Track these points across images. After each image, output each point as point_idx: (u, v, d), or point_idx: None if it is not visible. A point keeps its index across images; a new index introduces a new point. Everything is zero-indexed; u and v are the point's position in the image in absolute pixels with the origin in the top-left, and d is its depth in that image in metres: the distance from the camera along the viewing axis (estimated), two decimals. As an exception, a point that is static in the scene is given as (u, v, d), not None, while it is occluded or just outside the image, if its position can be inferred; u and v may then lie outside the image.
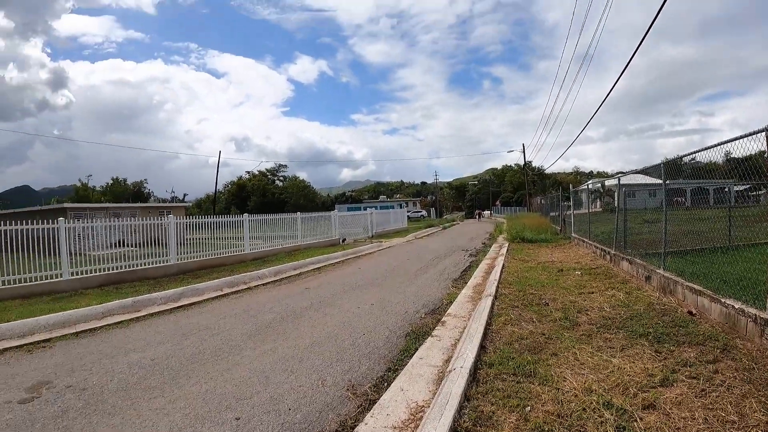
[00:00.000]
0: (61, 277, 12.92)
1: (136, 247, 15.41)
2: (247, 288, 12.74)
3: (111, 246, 14.91)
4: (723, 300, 6.72)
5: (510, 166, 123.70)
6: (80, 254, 13.70)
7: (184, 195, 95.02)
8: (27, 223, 12.73)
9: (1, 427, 4.59)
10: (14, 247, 12.35)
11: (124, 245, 15.28)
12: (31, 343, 7.83)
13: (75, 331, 8.61)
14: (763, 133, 5.71)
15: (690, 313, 7.29)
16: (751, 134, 5.93)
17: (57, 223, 13.28)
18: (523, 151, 64.66)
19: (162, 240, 16.11)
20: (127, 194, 76.54)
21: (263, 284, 13.34)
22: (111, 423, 4.55)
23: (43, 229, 12.90)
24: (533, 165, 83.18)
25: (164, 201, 77.58)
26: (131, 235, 15.67)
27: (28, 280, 12.34)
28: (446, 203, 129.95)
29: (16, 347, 7.65)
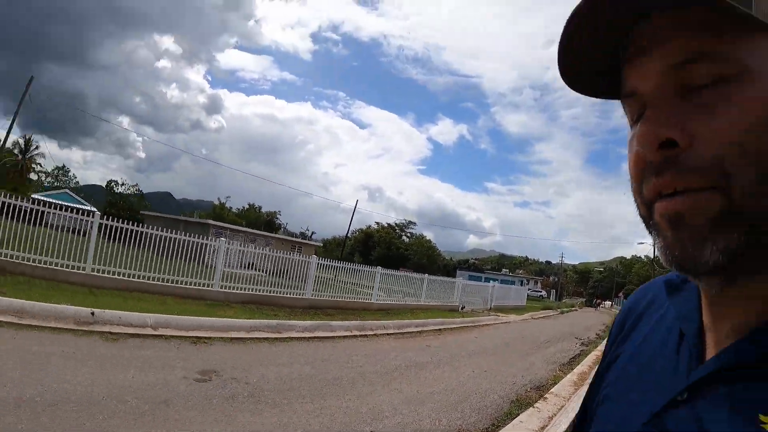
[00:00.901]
0: (211, 287, 14.79)
1: (264, 273, 17.17)
2: (374, 335, 14.04)
3: (243, 267, 16.70)
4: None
5: (639, 257, 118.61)
6: (212, 268, 15.66)
7: (312, 233, 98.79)
8: (188, 234, 15.02)
9: (185, 394, 6.06)
10: (170, 250, 14.62)
11: (254, 269, 17.13)
12: (193, 337, 9.37)
13: (228, 336, 10.14)
14: None
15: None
16: None
17: (218, 241, 15.41)
18: (654, 244, 62.86)
19: (292, 273, 17.87)
20: (260, 222, 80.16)
21: (387, 334, 14.60)
22: (273, 412, 5.94)
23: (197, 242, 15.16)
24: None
25: (293, 235, 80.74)
26: (262, 261, 17.50)
27: (183, 283, 14.30)
28: (568, 287, 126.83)
29: (180, 337, 9.20)
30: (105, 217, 13.84)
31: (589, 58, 0.60)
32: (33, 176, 68.08)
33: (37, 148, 65.06)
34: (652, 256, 68.80)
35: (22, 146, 62.58)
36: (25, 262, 11.91)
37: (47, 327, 8.01)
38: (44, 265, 12.16)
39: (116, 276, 13.13)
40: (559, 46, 0.58)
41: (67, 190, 59.51)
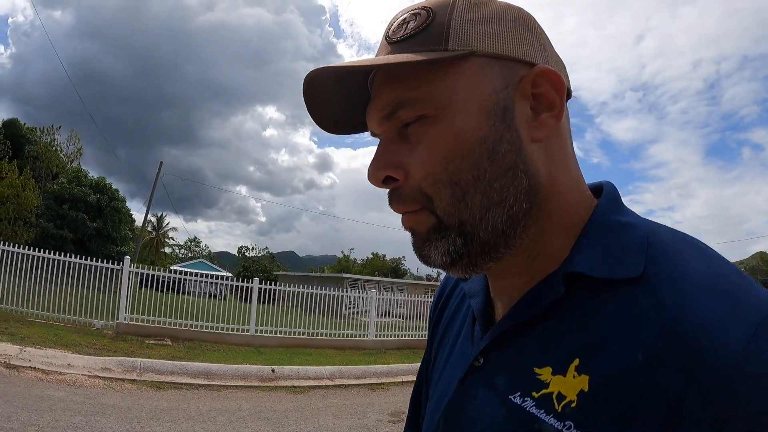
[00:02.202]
0: (366, 337, 15.30)
1: (401, 318, 17.57)
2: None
3: (380, 314, 17.00)
4: None
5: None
6: (352, 318, 16.32)
7: (438, 273, 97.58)
8: (323, 288, 15.59)
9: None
10: (315, 306, 15.30)
11: (390, 315, 17.51)
12: (367, 384, 9.81)
13: (398, 380, 10.39)
14: None
15: None
16: None
17: (369, 293, 15.99)
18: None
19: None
20: (385, 269, 79.33)
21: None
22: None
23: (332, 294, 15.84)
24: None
25: (420, 278, 79.70)
26: (396, 307, 17.83)
27: (339, 336, 14.92)
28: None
29: (357, 385, 9.66)
30: (261, 281, 14.73)
31: (337, 106, 0.70)
32: (167, 249, 73.20)
33: (168, 224, 70.41)
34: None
35: (155, 223, 67.83)
36: (192, 328, 13.04)
37: (235, 386, 8.71)
38: (211, 330, 13.23)
39: (276, 335, 14.01)
40: (306, 102, 0.67)
41: (203, 259, 63.37)
